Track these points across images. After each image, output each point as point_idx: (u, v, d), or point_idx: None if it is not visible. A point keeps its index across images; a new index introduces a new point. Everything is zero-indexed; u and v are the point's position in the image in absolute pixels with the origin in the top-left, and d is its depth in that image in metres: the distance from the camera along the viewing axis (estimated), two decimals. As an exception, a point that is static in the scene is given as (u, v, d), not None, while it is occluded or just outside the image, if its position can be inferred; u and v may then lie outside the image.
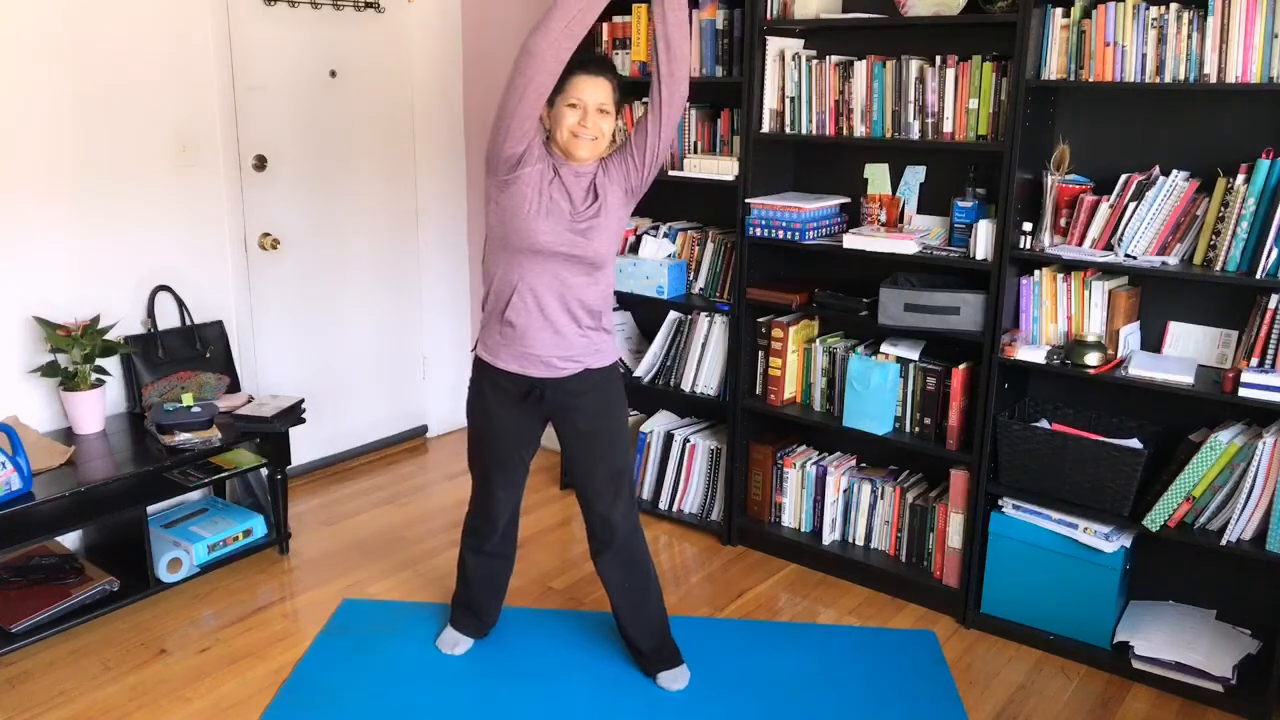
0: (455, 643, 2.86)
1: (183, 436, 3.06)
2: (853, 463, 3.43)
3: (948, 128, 2.94)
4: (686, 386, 3.58)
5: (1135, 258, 2.69)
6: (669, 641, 2.73)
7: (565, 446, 2.62)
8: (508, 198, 2.36)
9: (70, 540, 3.22)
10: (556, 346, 2.45)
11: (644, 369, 3.67)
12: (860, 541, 3.35)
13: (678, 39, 2.32)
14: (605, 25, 3.59)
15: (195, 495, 3.51)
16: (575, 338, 2.46)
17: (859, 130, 3.10)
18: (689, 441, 3.65)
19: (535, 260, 2.38)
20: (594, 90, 2.34)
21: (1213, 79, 2.49)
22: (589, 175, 2.43)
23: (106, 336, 3.14)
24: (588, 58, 2.33)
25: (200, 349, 3.47)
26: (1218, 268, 2.57)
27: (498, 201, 2.38)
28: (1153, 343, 2.86)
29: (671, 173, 3.45)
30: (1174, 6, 2.51)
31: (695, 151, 3.49)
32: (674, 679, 2.70)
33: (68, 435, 3.12)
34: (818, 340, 3.36)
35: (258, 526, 3.34)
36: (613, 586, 2.70)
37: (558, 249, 2.37)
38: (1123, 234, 2.70)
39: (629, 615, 2.71)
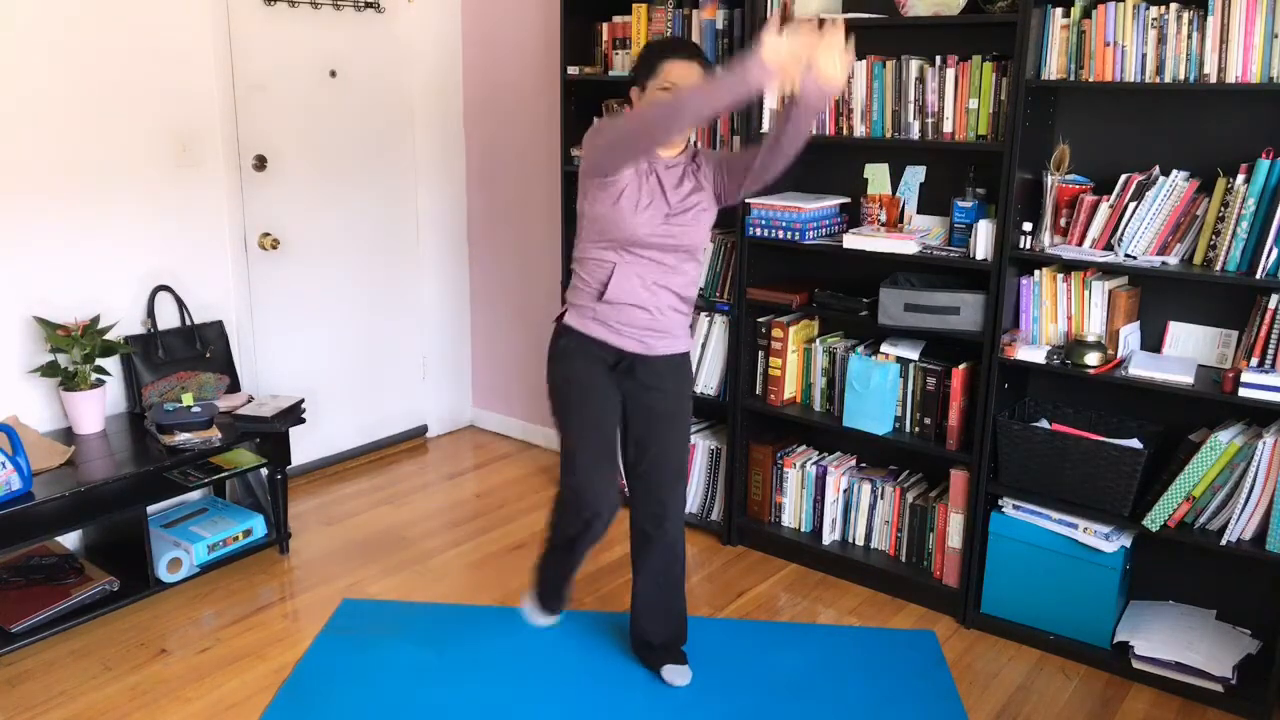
0: (547, 617, 2.95)
1: (183, 436, 3.06)
2: (853, 463, 3.43)
3: (948, 128, 2.94)
4: (686, 386, 3.58)
5: (1135, 258, 2.69)
6: (683, 636, 2.74)
7: (636, 428, 2.62)
8: (607, 197, 2.43)
9: (70, 540, 3.22)
10: (649, 323, 2.52)
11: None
12: (860, 541, 3.35)
13: (801, 137, 2.39)
14: (605, 26, 3.60)
15: (195, 495, 3.51)
16: (665, 319, 2.54)
17: (859, 130, 3.10)
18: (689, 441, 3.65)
19: (633, 249, 2.46)
20: (686, 74, 2.39)
21: (1213, 79, 2.49)
22: (680, 166, 2.51)
23: (106, 336, 3.14)
24: (678, 42, 2.40)
25: (200, 349, 3.47)
26: (1218, 268, 2.57)
27: (595, 197, 2.45)
28: (1153, 343, 2.87)
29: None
30: (1174, 6, 2.52)
31: (689, 145, 3.49)
32: (679, 674, 2.70)
33: (68, 435, 3.12)
34: (818, 340, 3.36)
35: (258, 526, 3.34)
36: (648, 576, 2.68)
37: (656, 241, 2.46)
38: (1123, 234, 2.70)
39: (655, 607, 2.70)
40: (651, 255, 2.48)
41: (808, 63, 2.14)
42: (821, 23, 2.21)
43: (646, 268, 2.48)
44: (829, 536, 3.38)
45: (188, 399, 3.20)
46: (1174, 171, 2.65)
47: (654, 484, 2.62)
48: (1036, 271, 2.86)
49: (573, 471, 2.58)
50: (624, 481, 2.70)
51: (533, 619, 2.95)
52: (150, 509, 3.09)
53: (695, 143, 2.67)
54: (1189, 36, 2.51)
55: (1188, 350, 2.81)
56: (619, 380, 2.57)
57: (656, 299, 2.51)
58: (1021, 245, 2.82)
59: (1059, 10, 2.68)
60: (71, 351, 3.06)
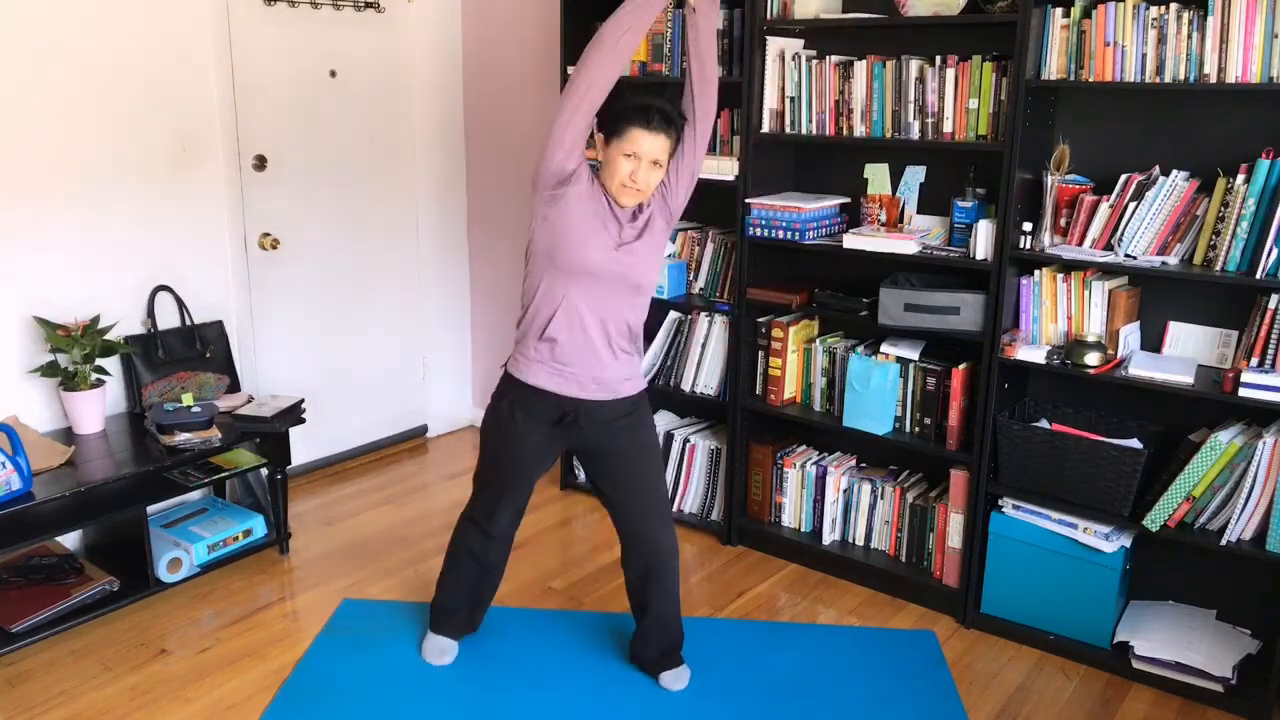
0: (443, 650, 2.80)
1: (183, 436, 3.06)
2: (853, 463, 3.43)
3: (948, 128, 2.94)
4: (686, 386, 3.58)
5: (1135, 258, 2.69)
6: (679, 643, 2.74)
7: (604, 474, 2.58)
8: (557, 214, 2.37)
9: (70, 540, 3.22)
10: (594, 367, 2.44)
11: (644, 369, 3.66)
12: (860, 541, 3.35)
13: (709, 53, 2.39)
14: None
15: (195, 495, 3.51)
16: (611, 361, 2.46)
17: (859, 130, 3.10)
18: (689, 441, 3.65)
19: (580, 280, 2.39)
20: (652, 145, 2.35)
21: (1213, 79, 2.49)
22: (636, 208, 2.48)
23: (106, 336, 3.14)
24: (652, 112, 2.33)
25: (200, 349, 3.47)
26: (1218, 268, 2.57)
27: (546, 217, 2.39)
28: (1153, 343, 2.87)
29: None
30: (1174, 6, 2.51)
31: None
32: (675, 679, 2.70)
33: (68, 435, 3.12)
34: (818, 340, 3.36)
35: (258, 526, 3.34)
36: (647, 610, 2.66)
37: (604, 270, 2.39)
38: (1123, 234, 2.70)
39: (651, 621, 2.69)
40: (600, 288, 2.40)
41: None
42: None
43: (594, 301, 2.40)
44: (829, 536, 3.38)
45: (188, 399, 3.20)
46: (1174, 171, 2.65)
47: (640, 523, 2.58)
48: (1036, 271, 2.86)
49: (476, 508, 2.68)
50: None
51: (431, 654, 2.80)
52: (150, 509, 3.09)
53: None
54: (1189, 36, 2.51)
55: (1188, 350, 2.80)
56: (565, 435, 2.52)
57: (605, 335, 2.43)
58: (1021, 245, 2.82)
59: (1059, 10, 2.68)
60: (71, 351, 3.06)
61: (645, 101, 2.35)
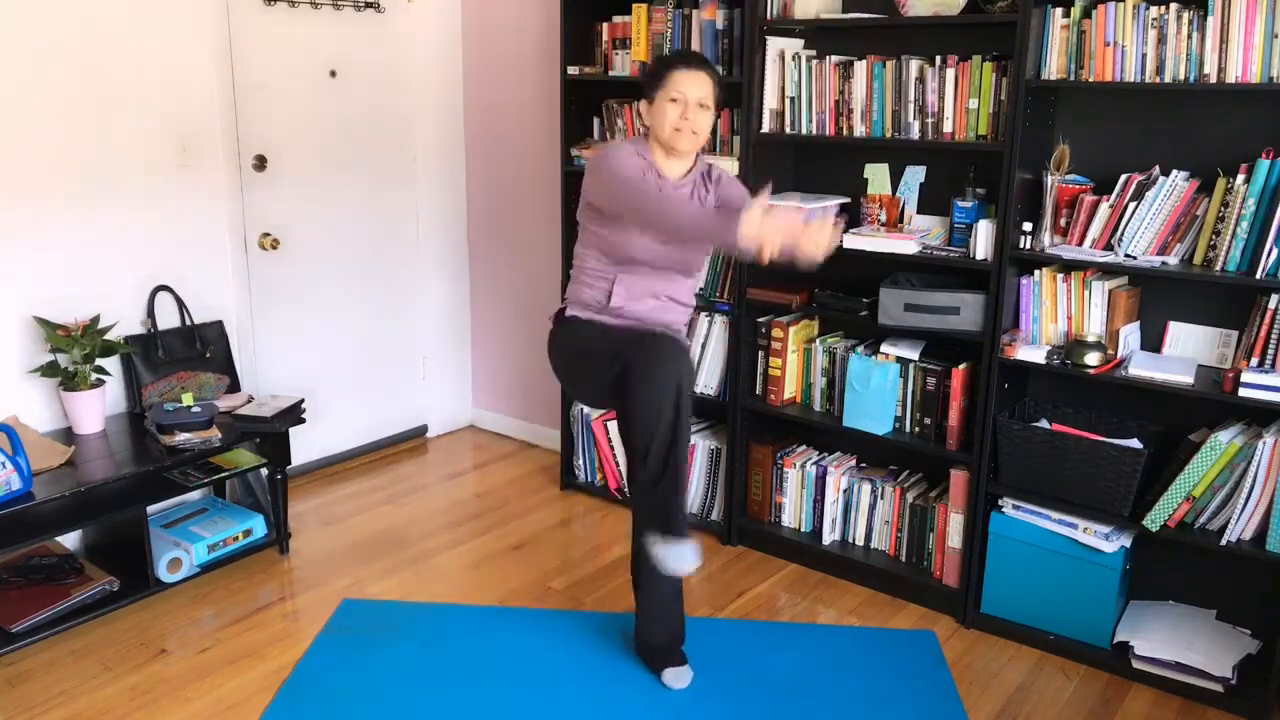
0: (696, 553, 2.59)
1: (183, 436, 3.06)
2: (853, 463, 3.43)
3: (948, 128, 2.94)
4: (686, 386, 3.57)
5: (1135, 258, 2.69)
6: (680, 641, 2.74)
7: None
8: (606, 218, 2.48)
9: (70, 540, 3.22)
10: (650, 319, 2.59)
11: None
12: (860, 541, 3.35)
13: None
14: (605, 26, 3.60)
15: (195, 495, 3.51)
16: (667, 315, 2.63)
17: (859, 130, 3.10)
18: (689, 441, 3.65)
19: (632, 265, 2.51)
20: (695, 84, 2.41)
21: (1213, 79, 2.49)
22: (687, 187, 2.56)
23: (106, 336, 3.14)
24: (686, 53, 2.41)
25: (200, 349, 3.47)
26: (1218, 268, 2.57)
27: (594, 218, 2.50)
28: (1153, 343, 2.87)
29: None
30: (1174, 6, 2.52)
31: (701, 156, 3.48)
32: (677, 677, 2.70)
33: (68, 435, 3.12)
34: (818, 340, 3.36)
35: (258, 526, 3.34)
36: (651, 590, 2.66)
37: (652, 260, 2.50)
38: (1123, 234, 2.70)
39: (655, 613, 2.69)
40: (649, 271, 2.54)
41: (788, 242, 2.20)
42: (813, 215, 2.28)
43: (646, 279, 2.54)
44: (829, 536, 3.38)
45: (188, 399, 3.20)
46: (1174, 171, 2.65)
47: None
48: (1036, 271, 2.86)
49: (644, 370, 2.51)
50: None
51: (687, 558, 2.50)
52: (150, 509, 3.09)
53: (703, 158, 2.66)
54: (1189, 36, 2.51)
55: (1188, 350, 2.80)
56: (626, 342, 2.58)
57: (657, 301, 2.58)
58: (1021, 245, 2.82)
59: (1059, 10, 2.68)
60: (71, 351, 3.06)
61: (677, 51, 2.40)
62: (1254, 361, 2.57)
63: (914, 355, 3.10)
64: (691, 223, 2.39)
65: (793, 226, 2.19)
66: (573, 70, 3.62)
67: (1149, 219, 2.66)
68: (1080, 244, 2.79)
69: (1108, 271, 2.79)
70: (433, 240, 4.38)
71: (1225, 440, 2.58)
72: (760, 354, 3.39)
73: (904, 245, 3.02)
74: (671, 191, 2.55)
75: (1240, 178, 2.52)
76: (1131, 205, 2.69)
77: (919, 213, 3.24)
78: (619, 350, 2.51)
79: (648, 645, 2.74)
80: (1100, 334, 2.80)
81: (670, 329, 2.66)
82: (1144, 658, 2.75)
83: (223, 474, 3.28)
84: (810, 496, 3.40)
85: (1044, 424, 2.92)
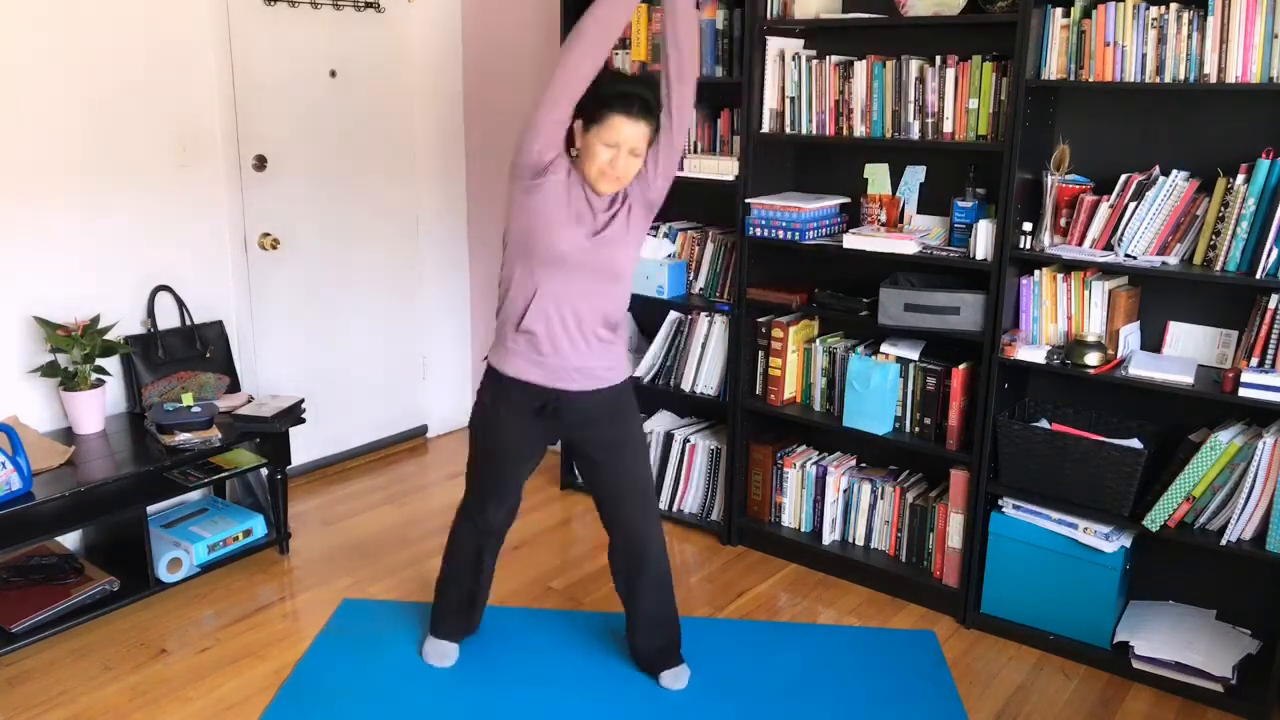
0: (444, 654, 2.79)
1: (183, 436, 3.06)
2: (853, 463, 3.43)
3: (948, 128, 2.94)
4: (686, 386, 3.58)
5: (1135, 258, 2.69)
6: (676, 641, 2.74)
7: (588, 465, 2.58)
8: (533, 202, 2.34)
9: (70, 540, 3.22)
10: (574, 357, 2.42)
11: (644, 369, 3.67)
12: (860, 541, 3.35)
13: (688, 41, 2.35)
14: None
15: (195, 495, 3.51)
16: (588, 350, 2.43)
17: (859, 130, 3.10)
18: (689, 441, 3.65)
19: (556, 270, 2.37)
20: (632, 134, 2.32)
21: (1213, 79, 2.49)
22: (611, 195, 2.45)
23: (106, 336, 3.14)
24: (634, 100, 2.30)
25: (200, 349, 3.47)
26: (1218, 268, 2.57)
27: (522, 206, 2.37)
28: (1153, 343, 2.87)
29: (671, 173, 3.45)
30: (1174, 6, 2.51)
31: (695, 151, 3.49)
32: (675, 678, 2.70)
33: (68, 435, 3.12)
34: (818, 340, 3.36)
35: (258, 526, 3.34)
36: (639, 605, 2.67)
37: (579, 260, 2.36)
38: (1123, 234, 2.70)
39: (645, 622, 2.69)
40: (576, 277, 2.38)
41: None
42: None
43: (570, 291, 2.38)
44: (829, 536, 3.38)
45: (188, 399, 3.20)
46: (1174, 171, 2.65)
47: (622, 516, 2.58)
48: (1036, 271, 2.86)
49: (470, 494, 2.67)
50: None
51: (432, 656, 2.79)
52: (150, 509, 3.09)
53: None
54: (1189, 36, 2.51)
55: (1188, 350, 2.80)
56: (547, 426, 2.52)
57: (581, 326, 2.40)
58: (1021, 245, 2.82)
59: (1059, 10, 2.68)
60: (71, 351, 3.06)
61: (627, 89, 2.32)
62: (1254, 361, 2.57)
63: (914, 355, 3.10)
64: (583, 21, 2.24)
65: None
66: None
67: (1149, 219, 2.66)
68: (1080, 244, 2.79)
69: (1108, 271, 2.79)
70: (433, 240, 4.38)
71: (1225, 440, 2.58)
72: (760, 354, 3.39)
73: (904, 245, 3.02)
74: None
75: (1240, 178, 2.52)
76: (1131, 205, 2.69)
77: (919, 213, 3.24)
78: (500, 459, 2.55)
79: (642, 651, 2.75)
80: (1100, 334, 2.80)
81: (597, 379, 2.46)
82: (1144, 658, 2.75)
83: (223, 474, 3.28)
84: (810, 496, 3.40)
85: (1044, 424, 2.92)
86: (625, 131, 2.31)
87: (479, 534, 2.69)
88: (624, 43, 3.52)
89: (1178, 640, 2.75)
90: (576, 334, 2.41)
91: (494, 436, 2.54)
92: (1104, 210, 2.74)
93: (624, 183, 2.39)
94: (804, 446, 3.53)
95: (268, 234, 3.73)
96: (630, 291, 2.52)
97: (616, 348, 2.51)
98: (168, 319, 3.44)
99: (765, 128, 3.25)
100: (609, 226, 2.39)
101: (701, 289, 3.59)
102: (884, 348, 3.16)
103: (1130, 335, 2.83)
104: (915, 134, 3.00)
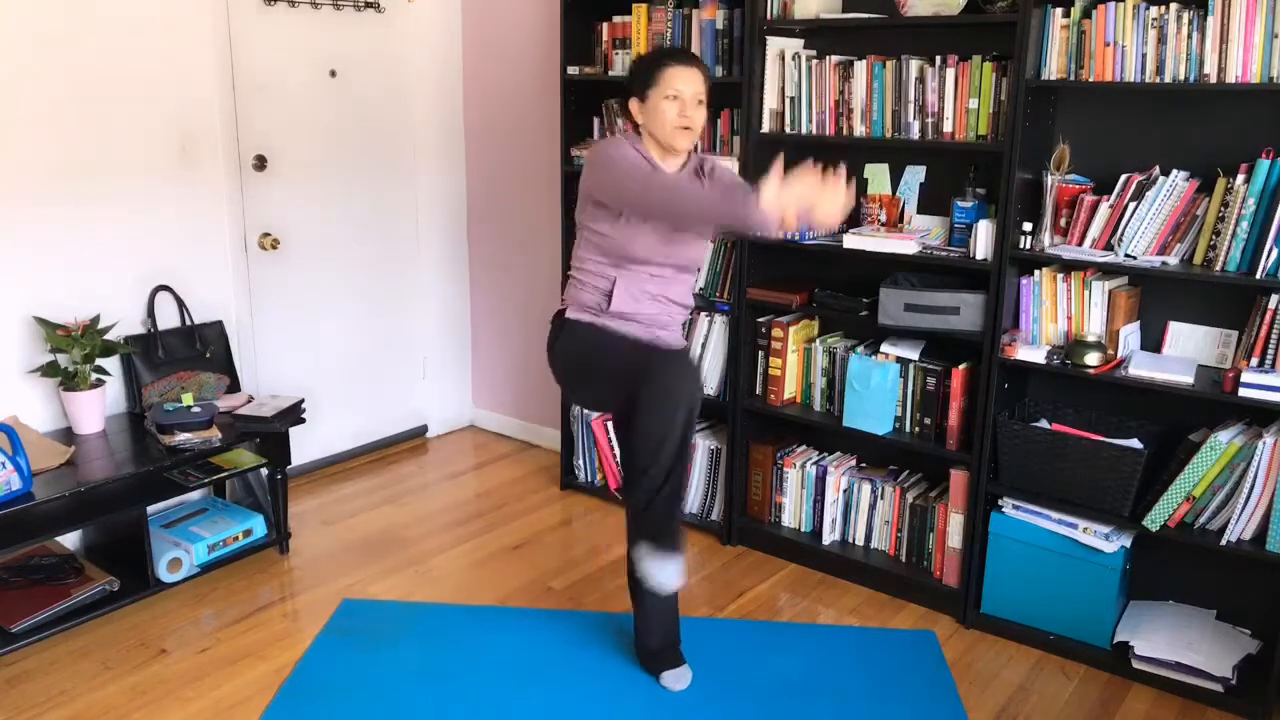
0: (679, 676, 2.73)
1: (183, 436, 3.06)
2: (853, 463, 3.43)
3: (948, 128, 2.94)
4: (686, 386, 3.57)
5: (1135, 258, 2.69)
6: (677, 642, 2.74)
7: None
8: (607, 214, 2.47)
9: (70, 540, 3.22)
10: (652, 322, 2.57)
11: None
12: (860, 541, 3.35)
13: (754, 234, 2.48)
14: (605, 26, 3.60)
15: (195, 495, 3.51)
16: (668, 316, 2.60)
17: (859, 130, 3.10)
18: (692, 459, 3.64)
19: (631, 265, 2.50)
20: (689, 80, 2.42)
21: (1213, 79, 2.49)
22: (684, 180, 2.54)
23: (106, 336, 3.14)
24: (674, 49, 2.42)
25: (200, 349, 3.47)
26: (1218, 268, 2.57)
27: (595, 215, 2.49)
28: (1153, 343, 2.87)
29: (671, 173, 3.45)
30: (1174, 6, 2.52)
31: (695, 151, 3.49)
32: (677, 678, 2.70)
33: (68, 435, 3.12)
34: (818, 340, 3.36)
35: (258, 526, 3.34)
36: (650, 596, 2.63)
37: (653, 259, 2.50)
38: (1123, 234, 2.70)
39: (651, 615, 2.69)
40: (650, 270, 2.52)
41: (808, 206, 2.19)
42: (825, 167, 2.27)
43: (646, 281, 2.53)
44: (829, 536, 3.38)
45: (188, 399, 3.20)
46: (1174, 171, 2.65)
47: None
48: (1036, 271, 2.86)
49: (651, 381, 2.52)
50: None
51: (673, 575, 2.50)
52: (150, 509, 3.09)
53: (699, 150, 2.66)
54: (1189, 36, 2.51)
55: (1188, 350, 2.80)
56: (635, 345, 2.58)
57: (657, 304, 2.56)
58: (1021, 245, 2.82)
59: (1059, 10, 2.68)
60: (71, 351, 3.06)
61: (666, 48, 2.40)
62: (1254, 361, 2.57)
63: (914, 355, 3.10)
64: (701, 204, 2.39)
65: (812, 186, 2.19)
66: (573, 70, 3.62)
67: (1149, 219, 2.66)
68: (1080, 244, 2.79)
69: (1108, 271, 2.79)
70: (433, 240, 4.38)
71: (1225, 440, 2.58)
72: (760, 354, 3.39)
73: (904, 245, 3.02)
74: (677, 177, 2.53)
75: (1240, 178, 2.52)
76: (1131, 205, 2.69)
77: (919, 213, 3.24)
78: (628, 367, 2.49)
79: (645, 650, 2.74)
80: (1100, 334, 2.80)
81: (671, 334, 2.65)
82: (1144, 658, 2.75)
83: (223, 474, 3.28)
84: (810, 496, 3.40)
85: (1044, 424, 2.92)
86: (682, 78, 2.42)
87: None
88: (624, 43, 3.53)
89: (1178, 640, 2.75)
90: (654, 309, 2.57)
91: (600, 344, 2.56)
92: (1104, 210, 2.74)
93: (697, 133, 2.49)
94: (804, 446, 3.53)
95: (268, 234, 3.73)
96: (701, 279, 2.63)
97: (685, 318, 2.71)
98: (168, 319, 3.44)
99: (765, 128, 3.25)
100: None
101: (702, 289, 3.59)
102: (884, 348, 3.16)
103: (1130, 335, 2.83)
104: (915, 134, 3.00)
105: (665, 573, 2.47)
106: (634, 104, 2.50)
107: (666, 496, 2.42)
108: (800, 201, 2.18)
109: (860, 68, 3.05)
